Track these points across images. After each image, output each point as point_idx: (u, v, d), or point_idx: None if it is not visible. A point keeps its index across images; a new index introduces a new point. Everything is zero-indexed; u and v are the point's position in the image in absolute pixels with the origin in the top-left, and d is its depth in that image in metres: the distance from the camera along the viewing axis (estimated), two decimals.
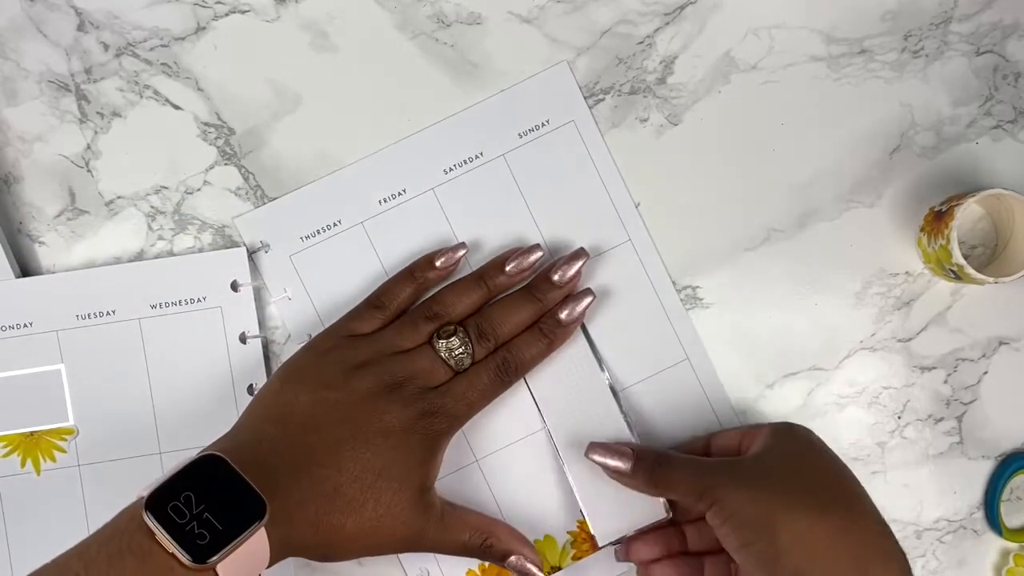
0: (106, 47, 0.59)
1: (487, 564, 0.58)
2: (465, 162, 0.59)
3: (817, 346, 0.60)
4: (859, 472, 0.58)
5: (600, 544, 0.57)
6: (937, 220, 0.56)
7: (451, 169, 0.59)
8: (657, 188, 0.60)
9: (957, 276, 0.55)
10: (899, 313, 0.60)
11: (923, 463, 0.59)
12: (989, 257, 0.59)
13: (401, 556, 0.58)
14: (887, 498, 0.59)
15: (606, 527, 0.57)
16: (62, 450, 0.58)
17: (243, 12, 0.60)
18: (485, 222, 0.59)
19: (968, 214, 0.59)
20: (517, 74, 0.60)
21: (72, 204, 0.59)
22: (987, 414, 0.59)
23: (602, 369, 0.58)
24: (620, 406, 0.57)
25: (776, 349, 0.60)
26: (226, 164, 0.60)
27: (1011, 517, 0.59)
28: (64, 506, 0.57)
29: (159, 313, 0.58)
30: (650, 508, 0.56)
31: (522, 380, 0.58)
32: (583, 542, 0.58)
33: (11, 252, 0.58)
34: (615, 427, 0.57)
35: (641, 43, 0.60)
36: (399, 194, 0.59)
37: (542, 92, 0.59)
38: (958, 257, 0.53)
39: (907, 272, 0.60)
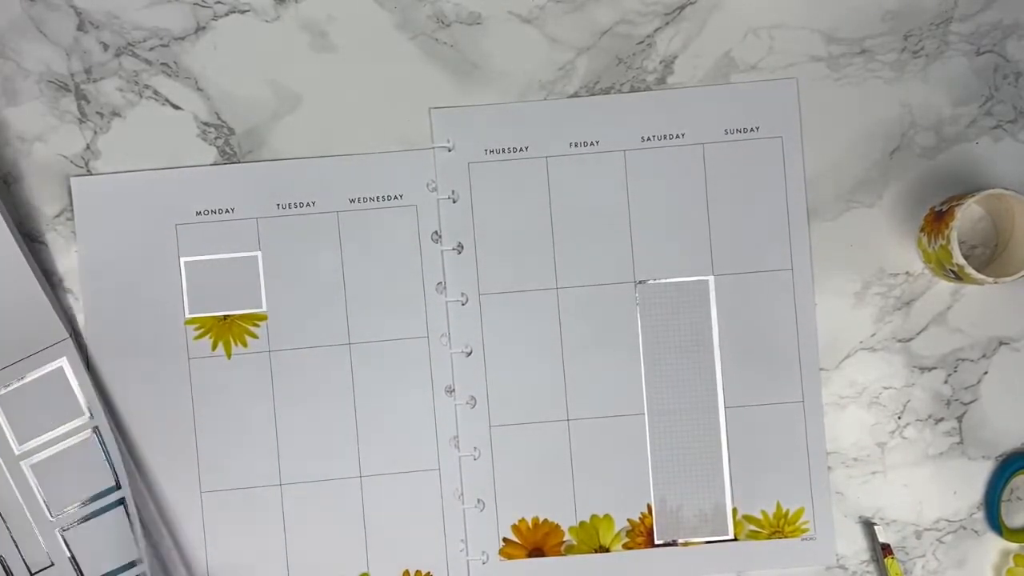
0: (106, 47, 0.59)
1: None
2: (665, 137, 0.59)
3: (817, 346, 0.60)
4: (859, 472, 0.59)
5: (656, 540, 0.58)
6: (937, 220, 0.56)
7: (649, 139, 0.59)
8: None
9: (957, 276, 0.55)
10: (899, 313, 0.60)
11: (923, 463, 0.59)
12: (989, 257, 0.59)
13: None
14: (887, 498, 0.59)
15: (669, 525, 0.58)
16: (254, 335, 0.59)
17: (243, 12, 0.60)
18: (659, 201, 0.59)
19: (968, 214, 0.59)
20: (519, 74, 0.60)
21: (71, 204, 0.59)
22: (987, 414, 0.59)
23: (721, 391, 0.59)
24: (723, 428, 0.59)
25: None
26: (226, 164, 0.60)
27: (1011, 517, 0.59)
28: (252, 391, 0.59)
29: (357, 207, 0.59)
30: (717, 525, 0.58)
31: (640, 361, 0.58)
32: (639, 535, 0.59)
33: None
34: (712, 441, 0.59)
35: (641, 43, 0.60)
36: (592, 143, 0.59)
37: (762, 98, 0.59)
38: (958, 257, 0.53)
39: (907, 272, 0.60)
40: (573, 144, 0.59)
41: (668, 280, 0.59)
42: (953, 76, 0.60)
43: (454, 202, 0.59)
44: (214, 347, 0.59)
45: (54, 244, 0.59)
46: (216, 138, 0.60)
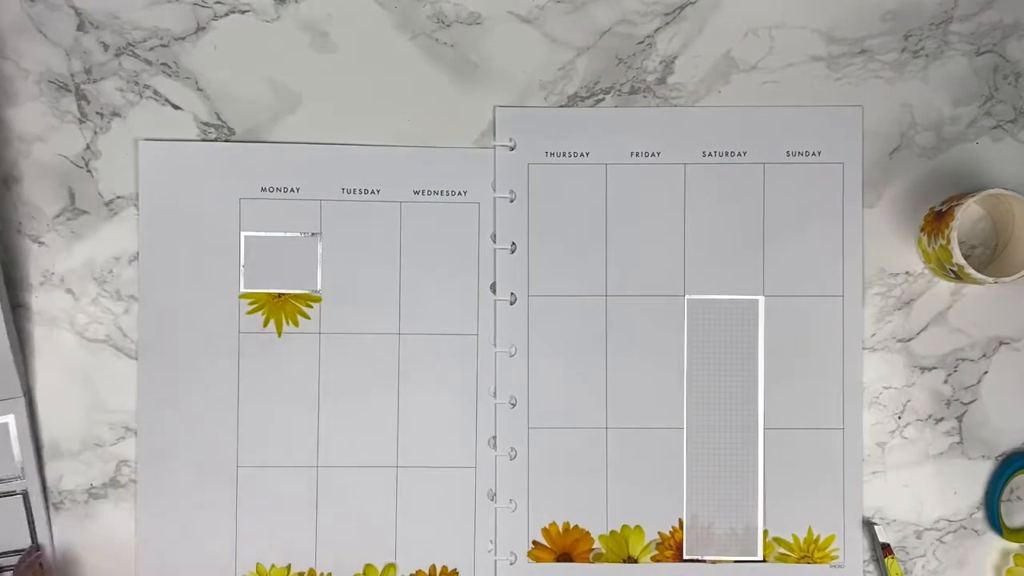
0: (106, 47, 0.59)
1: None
2: (726, 154, 0.59)
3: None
4: (859, 472, 0.59)
5: (685, 555, 0.58)
6: (937, 220, 0.56)
7: (710, 154, 0.59)
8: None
9: (957, 276, 0.55)
10: (899, 313, 0.60)
11: (923, 463, 0.59)
12: (989, 257, 0.59)
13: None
14: (887, 498, 0.59)
15: (699, 541, 0.58)
16: (306, 316, 0.59)
17: (243, 12, 0.60)
18: (715, 216, 0.59)
19: (968, 214, 0.59)
20: (519, 74, 0.60)
21: (72, 204, 0.59)
22: (987, 414, 0.59)
23: (761, 412, 0.59)
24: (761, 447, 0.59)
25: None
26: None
27: (1011, 517, 0.59)
28: (299, 370, 0.59)
29: (421, 199, 0.59)
30: (747, 545, 0.58)
31: (683, 376, 0.58)
32: (668, 549, 0.59)
33: None
34: (749, 461, 0.59)
35: (641, 43, 0.60)
36: (653, 154, 0.59)
37: (825, 124, 0.59)
38: (958, 257, 0.53)
39: (907, 272, 0.60)
40: (634, 153, 0.59)
41: (718, 297, 0.59)
42: (953, 76, 0.60)
43: (511, 201, 0.59)
44: (265, 323, 0.59)
45: (54, 244, 0.59)
46: (216, 138, 0.60)
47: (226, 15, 0.60)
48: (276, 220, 0.59)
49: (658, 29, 0.60)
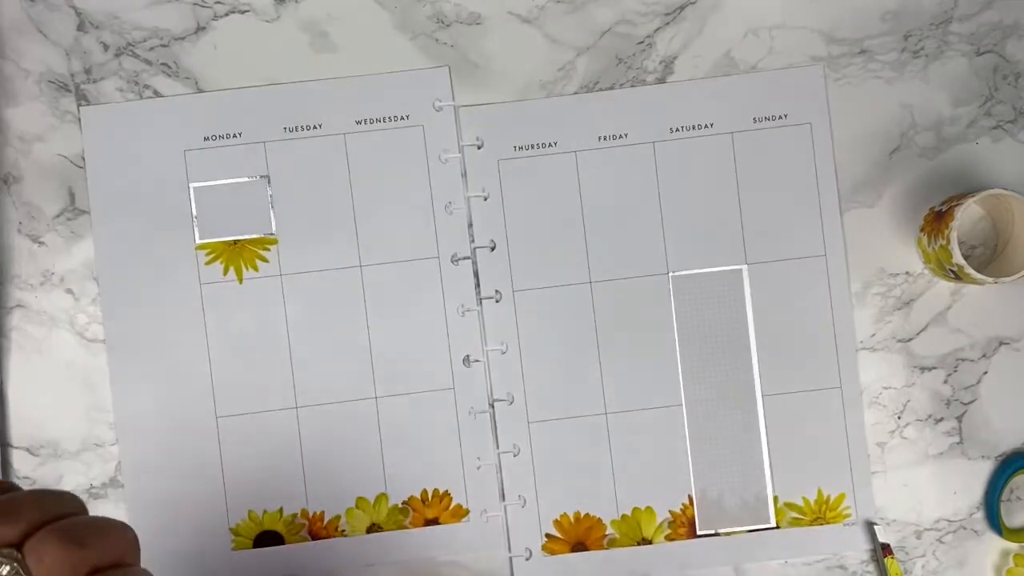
0: (106, 47, 0.59)
1: None
2: (694, 127, 0.59)
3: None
4: (859, 472, 0.58)
5: (699, 531, 0.58)
6: (937, 220, 0.56)
7: (678, 130, 0.59)
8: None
9: (957, 276, 0.55)
10: (899, 313, 0.60)
11: (923, 463, 0.60)
12: (989, 257, 0.59)
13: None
14: (887, 498, 0.59)
15: (711, 515, 0.58)
16: (264, 259, 0.59)
17: (243, 12, 0.60)
18: (690, 191, 0.59)
19: (968, 214, 0.59)
20: (519, 74, 0.60)
21: (72, 204, 0.59)
22: (987, 414, 0.59)
23: (758, 380, 0.59)
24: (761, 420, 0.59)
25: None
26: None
27: (1011, 517, 0.59)
28: (265, 313, 0.59)
29: (364, 129, 0.59)
30: (759, 513, 0.58)
31: (676, 352, 0.58)
32: (681, 526, 0.59)
33: None
34: (751, 429, 0.59)
35: (641, 43, 0.60)
36: (621, 136, 0.59)
37: (789, 86, 0.59)
38: (958, 257, 0.53)
39: (907, 272, 0.60)
40: (602, 138, 0.59)
41: (702, 270, 0.59)
42: (953, 76, 0.60)
43: (485, 199, 0.59)
44: (225, 272, 0.59)
45: (54, 244, 0.59)
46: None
47: (226, 15, 0.60)
48: (222, 168, 0.59)
49: (658, 29, 0.60)
